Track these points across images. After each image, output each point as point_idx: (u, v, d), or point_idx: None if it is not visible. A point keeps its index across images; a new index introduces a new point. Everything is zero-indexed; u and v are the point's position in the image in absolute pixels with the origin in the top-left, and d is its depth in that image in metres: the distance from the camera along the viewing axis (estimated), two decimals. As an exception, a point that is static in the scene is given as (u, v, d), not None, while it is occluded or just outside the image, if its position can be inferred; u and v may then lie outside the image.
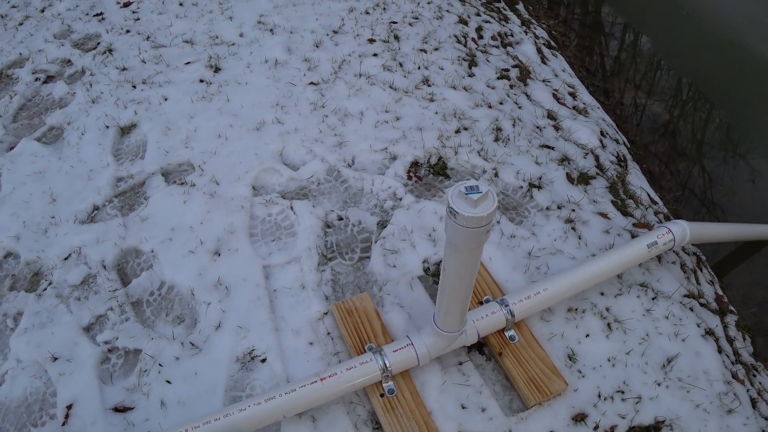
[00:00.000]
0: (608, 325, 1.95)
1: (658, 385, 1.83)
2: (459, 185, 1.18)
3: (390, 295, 2.02)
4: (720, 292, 2.53)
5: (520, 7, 4.81)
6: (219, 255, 2.15)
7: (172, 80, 3.08)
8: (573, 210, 2.40)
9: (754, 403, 1.94)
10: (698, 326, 2.04)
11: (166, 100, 2.94)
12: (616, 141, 3.37)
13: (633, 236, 2.34)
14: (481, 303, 1.93)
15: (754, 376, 2.16)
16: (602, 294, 2.05)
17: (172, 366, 1.86)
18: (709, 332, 2.06)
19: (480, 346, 1.88)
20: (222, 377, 1.80)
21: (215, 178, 2.45)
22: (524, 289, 1.87)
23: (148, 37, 3.52)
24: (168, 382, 1.82)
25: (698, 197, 3.52)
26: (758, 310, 2.88)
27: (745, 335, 2.41)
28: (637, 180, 3.04)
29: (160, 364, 1.86)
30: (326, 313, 1.96)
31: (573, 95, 3.63)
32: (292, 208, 2.30)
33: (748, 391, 1.96)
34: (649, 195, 2.95)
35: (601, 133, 3.18)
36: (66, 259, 2.24)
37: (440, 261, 2.14)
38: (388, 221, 2.30)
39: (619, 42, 5.14)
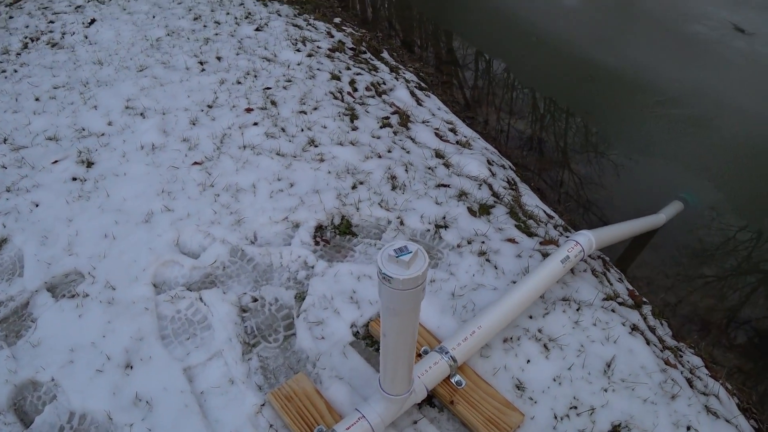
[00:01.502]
0: (545, 346, 1.97)
1: (605, 391, 1.86)
2: (387, 249, 1.13)
3: (326, 369, 1.90)
4: (630, 287, 2.67)
5: (385, 55, 5.00)
6: (131, 368, 1.92)
7: (40, 183, 2.81)
8: (483, 242, 2.44)
9: (690, 382, 2.03)
10: (623, 325, 2.12)
11: (37, 206, 2.66)
12: (503, 167, 3.54)
13: (543, 254, 2.42)
14: (420, 356, 1.87)
15: (681, 356, 2.28)
16: (531, 317, 2.08)
17: None
18: (635, 328, 2.15)
19: (429, 399, 1.81)
20: None
21: (110, 283, 2.22)
22: (459, 332, 1.84)
23: (5, 140, 3.21)
24: None
25: (583, 202, 3.76)
26: (665, 294, 3.08)
27: (662, 321, 2.55)
28: (530, 200, 3.18)
29: None
30: (263, 405, 1.80)
31: (453, 131, 3.78)
32: (201, 299, 2.13)
33: (682, 373, 2.06)
34: (544, 211, 3.10)
35: (488, 162, 3.31)
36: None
37: (368, 322, 2.06)
38: (305, 292, 2.20)
39: (482, 73, 5.48)
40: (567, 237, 2.77)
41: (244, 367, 1.91)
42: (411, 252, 1.11)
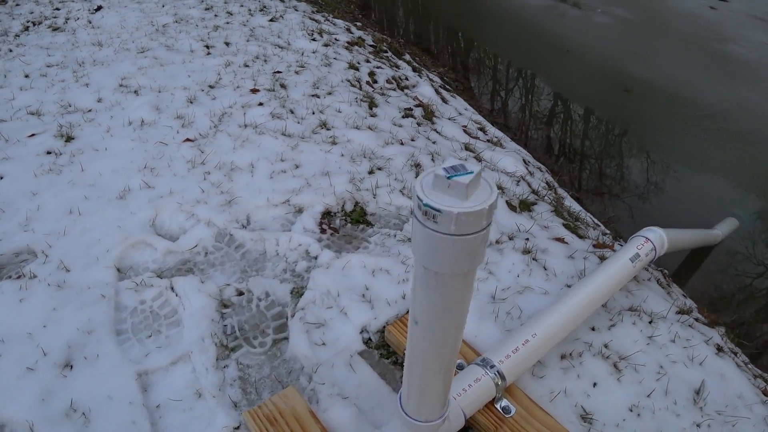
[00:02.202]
0: (614, 365, 1.50)
1: (698, 426, 1.39)
2: (433, 169, 0.70)
3: (325, 384, 1.45)
4: (696, 304, 2.20)
5: (407, 57, 4.64)
6: (71, 367, 1.47)
7: (11, 156, 2.42)
8: (527, 239, 1.99)
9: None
10: (707, 344, 1.66)
11: (2, 178, 2.27)
12: (539, 169, 3.11)
13: (599, 258, 1.97)
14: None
15: (773, 390, 1.80)
16: (593, 329, 1.61)
17: None
18: (720, 348, 1.68)
19: (465, 431, 1.34)
20: None
21: (64, 264, 1.79)
22: (506, 341, 1.38)
23: (-17, 113, 2.85)
24: None
25: (627, 214, 3.30)
26: (736, 316, 2.60)
27: (738, 344, 2.07)
28: (573, 204, 2.74)
29: None
30: (237, 428, 1.34)
31: (482, 130, 3.37)
32: (172, 288, 1.69)
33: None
34: (590, 217, 2.65)
35: (524, 161, 2.89)
36: None
37: (384, 326, 1.61)
38: (304, 287, 1.76)
39: (509, 81, 5.11)
40: (619, 242, 2.32)
41: (218, 376, 1.46)
42: (471, 172, 0.68)
